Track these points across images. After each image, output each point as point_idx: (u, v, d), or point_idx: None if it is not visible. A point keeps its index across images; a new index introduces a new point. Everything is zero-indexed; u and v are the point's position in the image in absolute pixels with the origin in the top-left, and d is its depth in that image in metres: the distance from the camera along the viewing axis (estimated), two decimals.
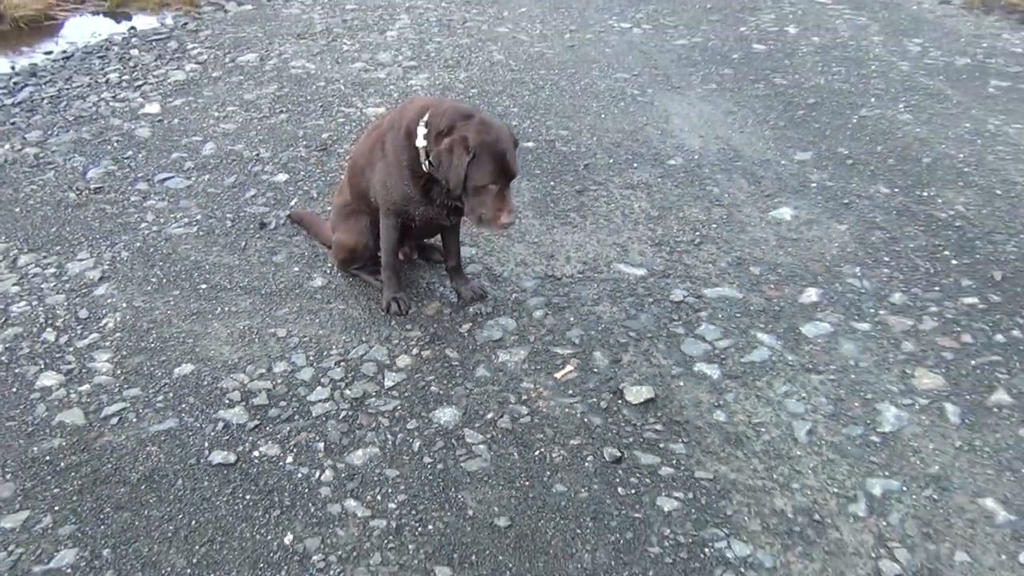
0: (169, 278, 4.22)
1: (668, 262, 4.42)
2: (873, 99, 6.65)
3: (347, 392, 3.50)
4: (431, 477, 3.10)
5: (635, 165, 5.47)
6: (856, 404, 3.48)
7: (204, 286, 4.16)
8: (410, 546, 2.83)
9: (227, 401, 3.44)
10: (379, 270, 4.17)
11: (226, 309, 4.00)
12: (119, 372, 3.60)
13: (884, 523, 2.95)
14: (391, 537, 2.86)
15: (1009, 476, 3.14)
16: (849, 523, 2.95)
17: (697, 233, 4.70)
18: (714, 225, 4.78)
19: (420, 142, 3.53)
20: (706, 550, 2.84)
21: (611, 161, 5.52)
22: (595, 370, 3.65)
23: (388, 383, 3.56)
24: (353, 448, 3.22)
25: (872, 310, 4.05)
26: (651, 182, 5.26)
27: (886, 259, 4.46)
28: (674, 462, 3.19)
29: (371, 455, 3.19)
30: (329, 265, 4.34)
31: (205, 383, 3.54)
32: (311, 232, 4.59)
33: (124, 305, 4.02)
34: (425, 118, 3.52)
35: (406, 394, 3.50)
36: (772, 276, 4.31)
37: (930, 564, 2.80)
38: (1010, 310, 4.02)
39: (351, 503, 2.98)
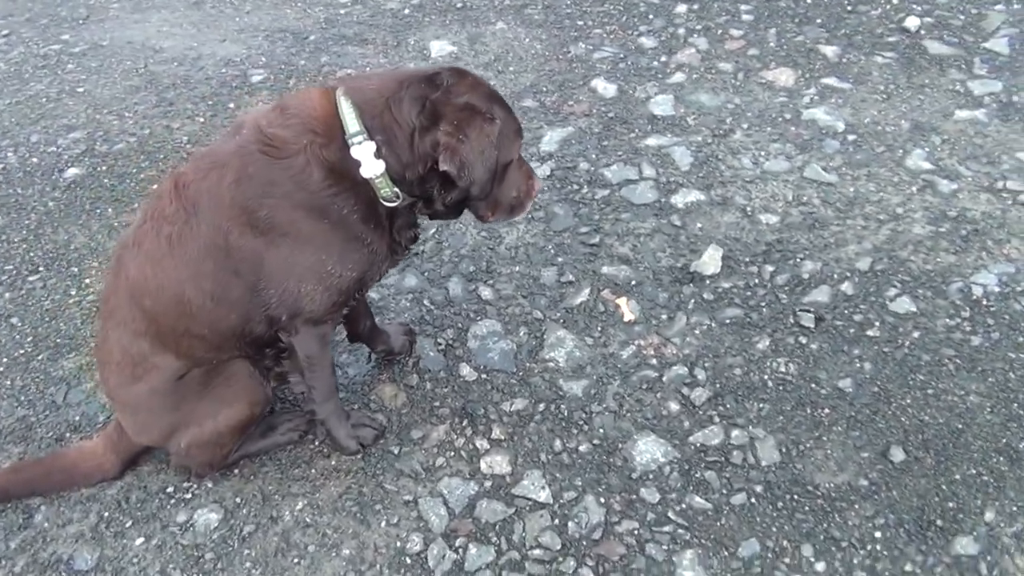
0: None
1: None
2: None
3: (524, 539, 2.17)
4: (779, 507, 2.22)
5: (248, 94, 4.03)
6: (793, 128, 3.46)
7: None
8: None
9: None
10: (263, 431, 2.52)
11: None
12: None
13: (946, 163, 3.16)
14: None
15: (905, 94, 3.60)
16: (962, 188, 3.07)
17: None
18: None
19: (371, 169, 2.01)
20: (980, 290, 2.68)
21: (210, 118, 3.97)
22: (634, 283, 2.88)
23: (534, 493, 2.29)
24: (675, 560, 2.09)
25: (656, 64, 3.91)
26: None
27: (566, 23, 4.26)
28: (835, 275, 2.82)
29: (695, 558, 2.12)
30: (170, 490, 2.42)
31: None
32: (49, 485, 2.44)
33: None
34: (353, 130, 1.99)
35: (565, 482, 2.32)
36: (551, 97, 3.78)
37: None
38: None
39: None
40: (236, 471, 2.48)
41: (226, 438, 2.34)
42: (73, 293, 3.12)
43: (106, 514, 2.40)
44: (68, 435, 2.63)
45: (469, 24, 4.42)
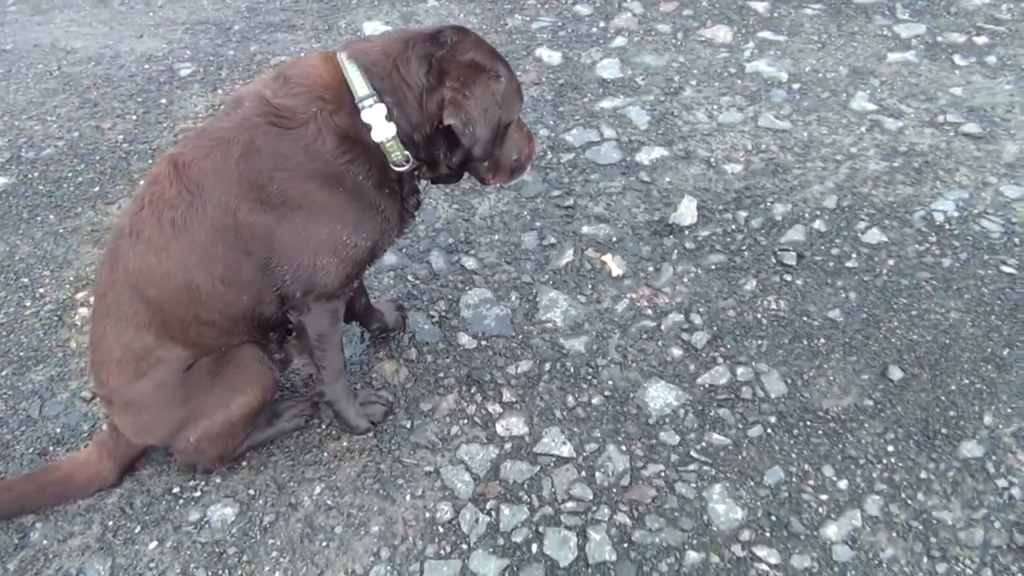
0: None
1: None
2: None
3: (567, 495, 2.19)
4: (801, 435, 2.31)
5: (188, 94, 3.86)
6: (739, 81, 3.57)
7: None
8: None
9: None
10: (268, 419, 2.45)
11: None
12: None
13: (888, 103, 3.35)
14: None
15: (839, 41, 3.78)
16: (907, 125, 3.25)
17: None
18: None
19: (382, 131, 1.98)
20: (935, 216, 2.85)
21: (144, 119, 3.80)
22: (615, 240, 2.93)
23: (556, 449, 2.31)
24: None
25: (595, 29, 3.96)
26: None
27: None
28: (806, 215, 2.94)
29: (724, 491, 2.19)
30: (176, 491, 2.32)
31: None
32: (43, 500, 2.29)
33: None
34: (362, 94, 1.95)
35: (585, 435, 2.34)
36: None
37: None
38: None
39: None
40: (244, 463, 2.40)
41: (238, 427, 2.26)
42: (28, 304, 2.95)
43: (110, 523, 2.29)
44: (52, 448, 2.49)
45: (400, 3, 4.38)
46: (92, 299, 2.49)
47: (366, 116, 1.98)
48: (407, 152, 2.06)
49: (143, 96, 3.93)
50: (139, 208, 2.07)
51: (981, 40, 3.69)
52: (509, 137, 2.21)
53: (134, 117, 3.80)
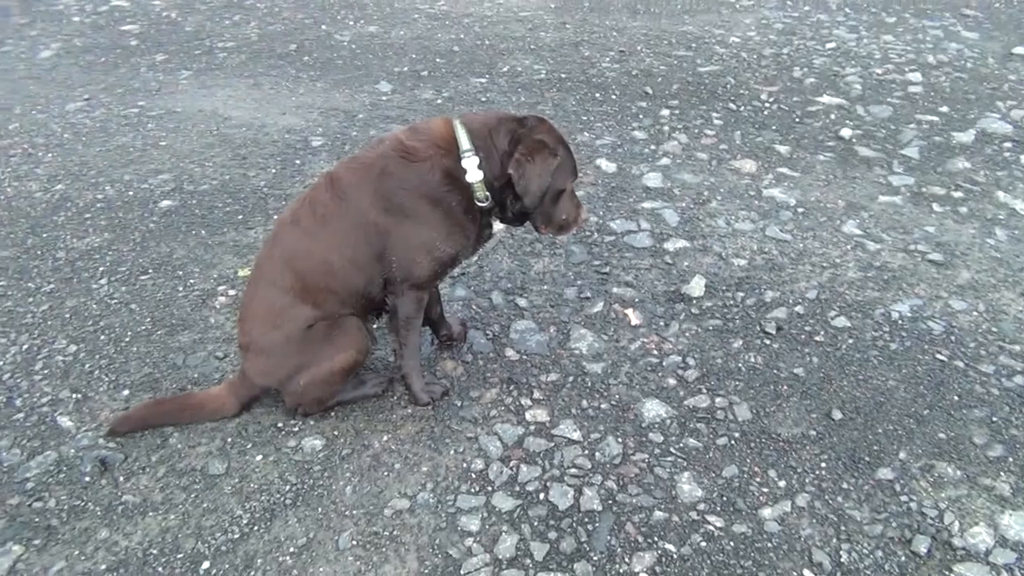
0: None
1: None
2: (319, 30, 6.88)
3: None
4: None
5: (314, 164, 4.84)
6: (756, 201, 4.39)
7: None
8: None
9: None
10: (355, 385, 3.21)
11: None
12: None
13: (872, 231, 4.06)
14: None
15: (842, 182, 4.55)
16: (884, 248, 3.98)
17: None
18: None
19: (474, 175, 2.84)
20: (887, 311, 3.55)
21: (270, 191, 4.77)
22: (637, 300, 3.70)
23: (568, 434, 3.02)
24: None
25: (647, 151, 4.85)
26: None
27: (572, 117, 5.22)
28: (790, 301, 3.68)
29: (691, 477, 2.85)
30: (280, 425, 3.08)
31: None
32: (181, 418, 3.07)
33: None
34: (465, 148, 2.83)
35: (591, 428, 3.05)
36: None
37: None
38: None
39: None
40: (333, 414, 3.15)
41: (337, 377, 3.03)
42: (180, 290, 3.82)
43: (229, 439, 3.05)
44: (190, 387, 3.29)
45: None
46: (249, 271, 3.30)
47: (464, 163, 2.84)
48: (488, 193, 2.90)
49: (282, 157, 4.92)
50: (300, 205, 2.94)
51: (958, 194, 4.47)
52: (561, 201, 3.03)
53: (273, 171, 4.77)
